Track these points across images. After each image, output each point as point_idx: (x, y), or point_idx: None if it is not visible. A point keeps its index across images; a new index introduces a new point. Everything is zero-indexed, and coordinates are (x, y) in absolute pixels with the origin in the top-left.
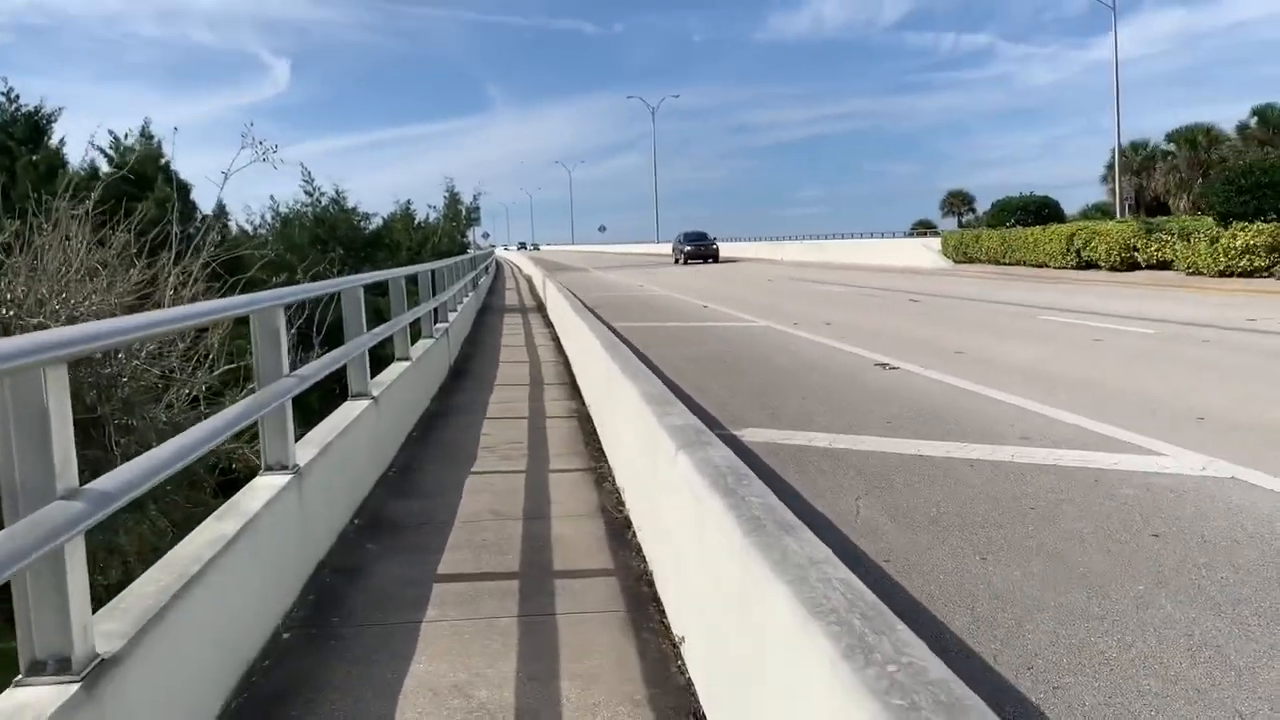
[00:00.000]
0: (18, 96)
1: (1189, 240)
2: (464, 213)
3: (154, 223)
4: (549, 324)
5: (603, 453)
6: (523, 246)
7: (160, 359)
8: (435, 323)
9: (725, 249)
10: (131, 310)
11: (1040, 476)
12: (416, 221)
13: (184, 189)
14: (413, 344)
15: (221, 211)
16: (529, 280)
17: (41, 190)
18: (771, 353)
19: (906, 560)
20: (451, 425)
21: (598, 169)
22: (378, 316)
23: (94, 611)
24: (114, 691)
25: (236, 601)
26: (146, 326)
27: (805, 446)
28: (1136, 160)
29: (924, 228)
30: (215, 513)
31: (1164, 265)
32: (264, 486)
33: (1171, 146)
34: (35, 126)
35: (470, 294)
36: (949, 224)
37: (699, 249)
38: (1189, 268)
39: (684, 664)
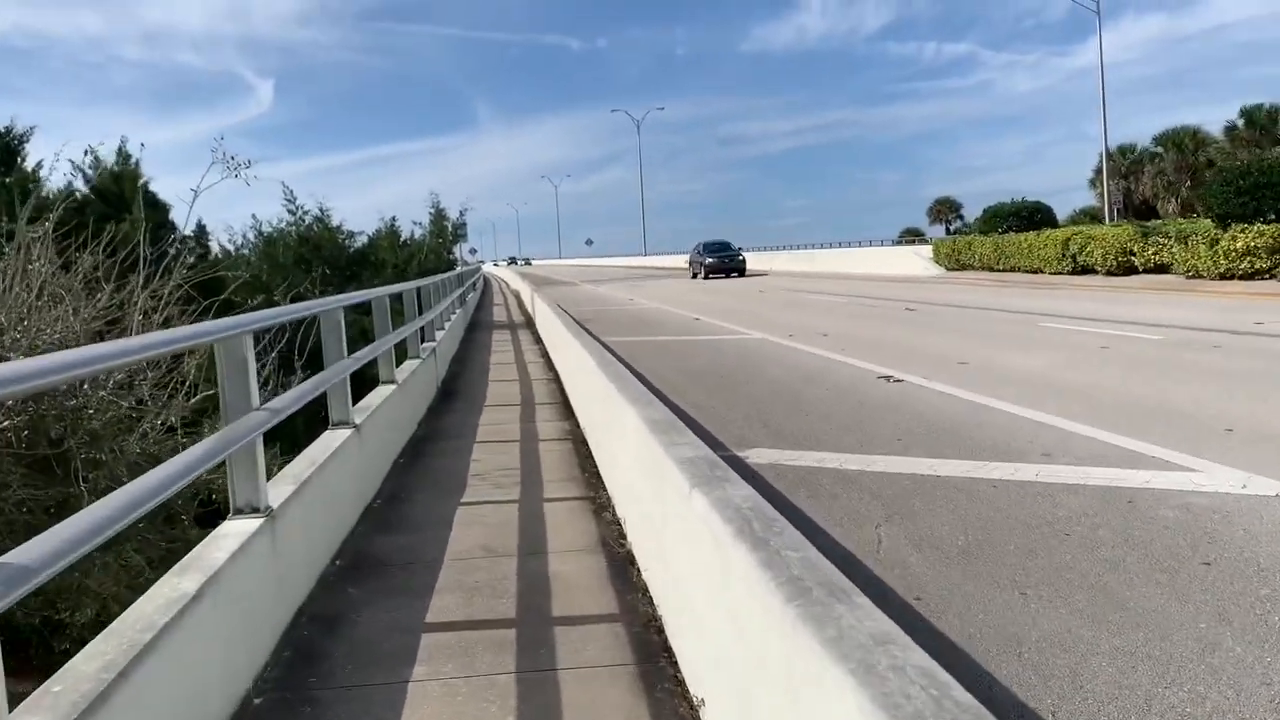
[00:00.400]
0: None
1: (1187, 243)
2: (450, 229)
3: (127, 244)
4: (538, 340)
5: (600, 478)
6: (513, 261)
7: (131, 388)
8: (422, 342)
9: None
10: (99, 337)
11: (1070, 498)
12: (402, 239)
13: (162, 208)
14: (399, 365)
15: (201, 232)
16: (516, 295)
17: (14, 214)
18: (769, 366)
19: (939, 597)
20: (440, 450)
21: (584, 183)
22: (364, 337)
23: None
24: None
25: (198, 669)
26: (89, 362)
27: (814, 468)
28: (1124, 164)
29: (912, 235)
30: (175, 566)
31: (1161, 269)
32: (232, 533)
33: (1159, 149)
34: (7, 148)
35: (458, 310)
36: (936, 231)
37: (722, 261)
38: (1188, 271)
39: None
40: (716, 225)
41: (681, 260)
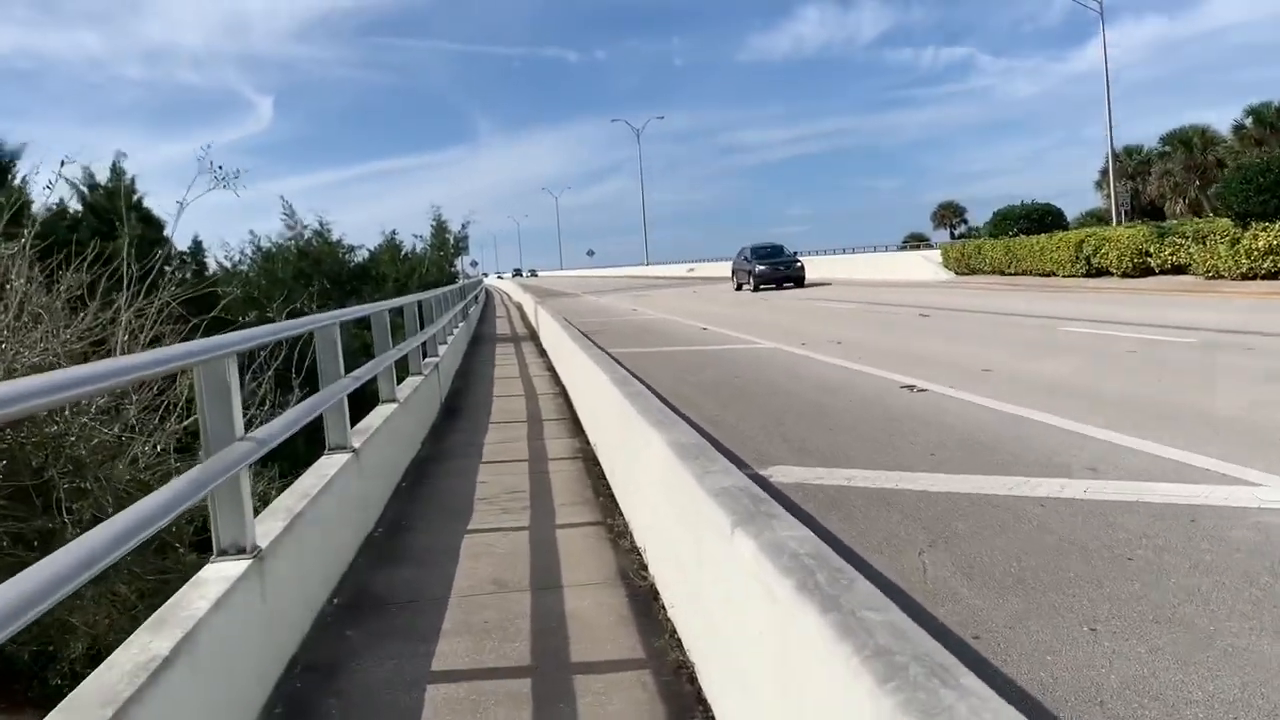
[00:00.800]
0: None
1: (1205, 243)
2: (452, 242)
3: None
4: (542, 352)
5: (614, 500)
6: (518, 274)
7: (117, 413)
8: (424, 358)
9: (716, 269)
10: (84, 358)
11: (1126, 517)
12: (403, 252)
13: (157, 224)
14: (400, 382)
15: (198, 248)
16: (519, 308)
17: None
18: (784, 377)
19: (1000, 635)
20: (445, 472)
21: (585, 194)
22: (365, 351)
23: None
24: None
25: None
26: (49, 390)
27: (844, 487)
28: (1130, 165)
29: (916, 240)
30: (149, 620)
31: (1179, 270)
32: (214, 579)
33: (1166, 150)
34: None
35: (461, 324)
36: (941, 236)
37: (776, 269)
38: (1208, 271)
39: None
40: (718, 234)
41: (681, 269)
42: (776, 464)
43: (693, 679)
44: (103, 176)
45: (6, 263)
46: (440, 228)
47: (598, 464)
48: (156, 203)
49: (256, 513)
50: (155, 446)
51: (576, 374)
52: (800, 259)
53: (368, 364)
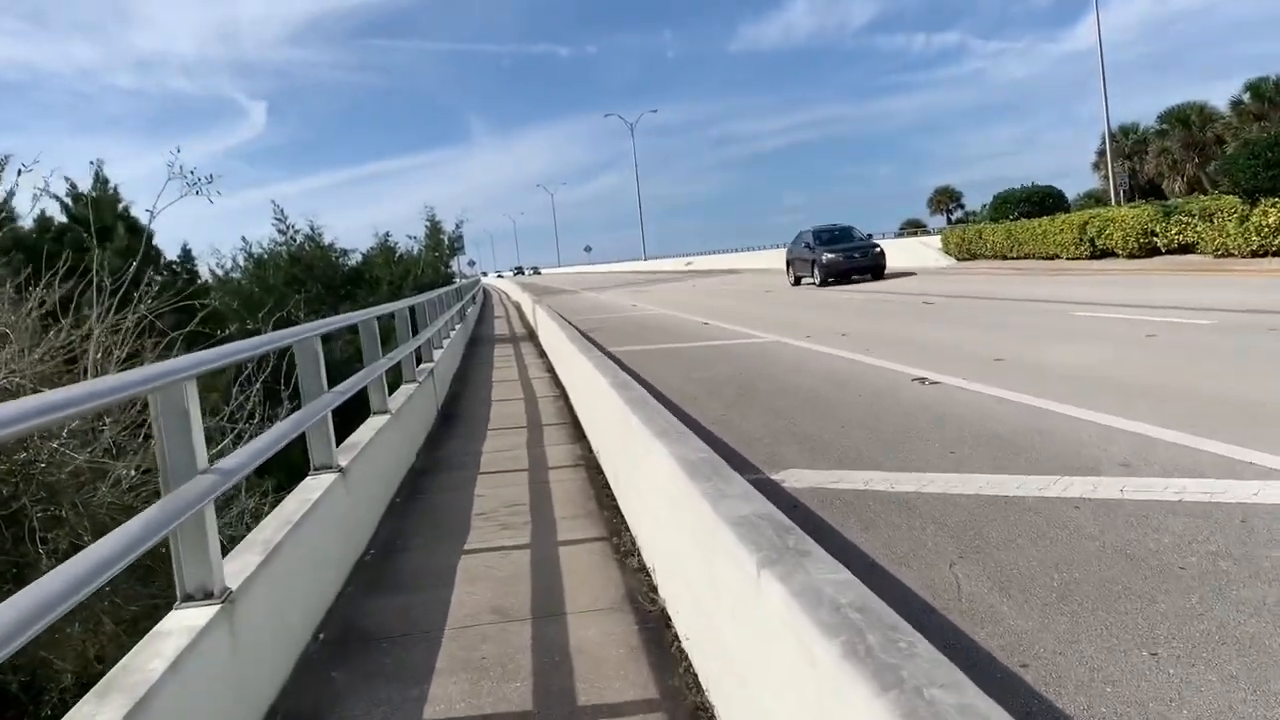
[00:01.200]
0: None
1: (1213, 221)
2: (446, 242)
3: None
4: (542, 353)
5: (619, 511)
6: (519, 271)
7: (94, 435)
8: (420, 363)
9: (715, 261)
10: (55, 379)
11: (1169, 519)
12: (398, 254)
13: (146, 234)
14: (394, 391)
15: (187, 256)
16: (517, 306)
17: None
18: (790, 372)
19: (1050, 662)
20: (441, 485)
21: (580, 190)
22: (361, 357)
23: None
24: None
25: None
26: None
27: (862, 491)
28: (1127, 145)
29: (913, 227)
30: (98, 685)
31: (1186, 249)
32: (176, 630)
33: (1163, 128)
34: None
35: (458, 325)
36: (938, 221)
37: (849, 258)
38: (1217, 250)
39: None
40: (715, 225)
41: (680, 264)
42: (788, 467)
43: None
44: (88, 186)
45: None
46: (434, 228)
47: (601, 472)
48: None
49: (232, 546)
50: (139, 467)
51: (576, 377)
52: (878, 243)
53: (354, 376)
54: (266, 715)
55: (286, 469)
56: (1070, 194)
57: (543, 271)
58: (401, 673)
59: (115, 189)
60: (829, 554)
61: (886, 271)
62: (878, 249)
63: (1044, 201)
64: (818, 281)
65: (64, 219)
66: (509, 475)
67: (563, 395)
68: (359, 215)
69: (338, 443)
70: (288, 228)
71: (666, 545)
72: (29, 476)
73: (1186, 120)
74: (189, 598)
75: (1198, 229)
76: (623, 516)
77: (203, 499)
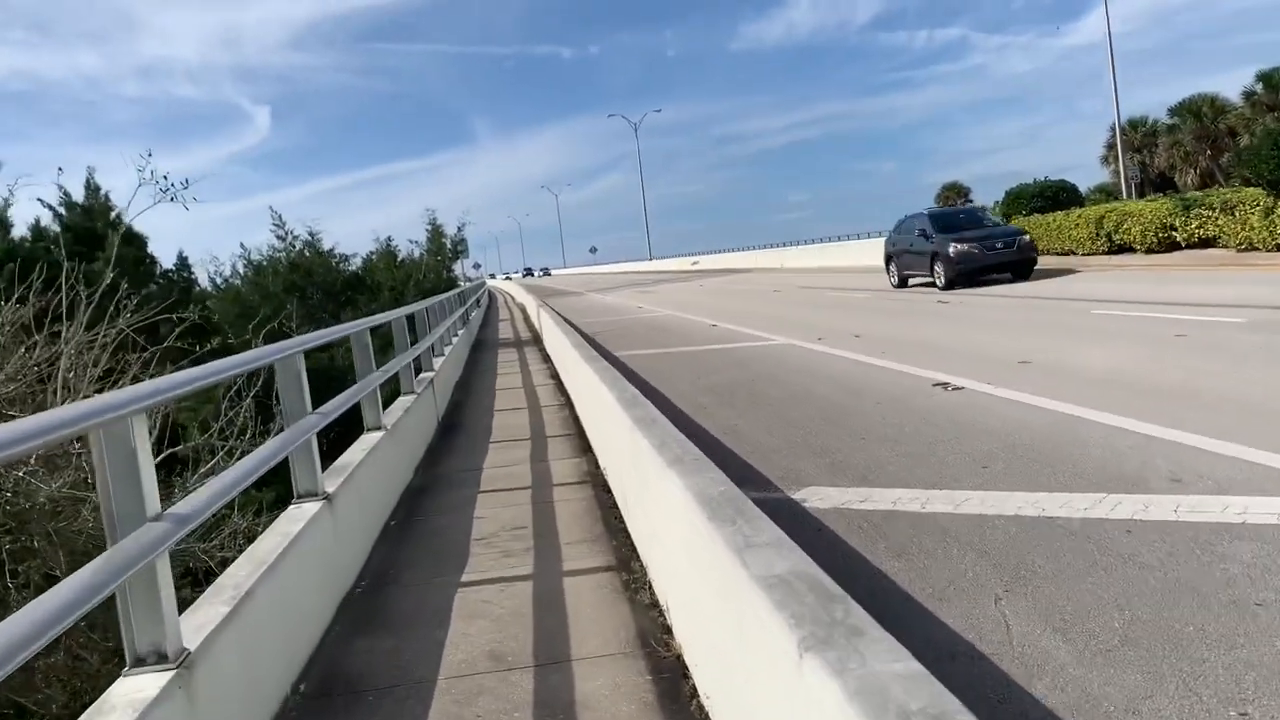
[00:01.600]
0: None
1: (1235, 214)
2: (449, 245)
3: (93, 284)
4: (546, 358)
5: (627, 535)
6: (529, 273)
7: (66, 461)
8: (419, 373)
9: (720, 260)
10: (25, 399)
11: (1236, 545)
12: (400, 259)
13: (140, 242)
14: (392, 403)
15: (184, 264)
16: (522, 309)
17: None
18: (803, 377)
19: None
20: (439, 506)
21: (585, 191)
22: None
23: None
24: None
25: None
26: None
27: (891, 512)
28: (1136, 138)
29: None
30: None
31: (1206, 243)
32: (124, 702)
33: (1174, 120)
34: None
35: (461, 331)
36: None
37: (989, 250)
38: (1240, 244)
39: None
40: (719, 224)
41: (686, 263)
42: (808, 484)
43: None
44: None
45: None
46: (436, 231)
47: (608, 490)
48: (149, 221)
49: (221, 570)
50: None
51: (581, 387)
52: (1027, 233)
53: (342, 394)
54: None
55: (287, 480)
56: (1081, 188)
57: (553, 273)
58: None
59: (107, 197)
60: (886, 631)
61: (883, 268)
62: (1026, 237)
63: (1057, 196)
64: (942, 283)
65: (57, 228)
66: (511, 494)
67: (568, 404)
68: (364, 219)
69: (333, 458)
70: (286, 234)
71: (683, 589)
72: None
73: (1198, 112)
74: (140, 661)
75: (1219, 222)
76: (632, 543)
77: (153, 550)
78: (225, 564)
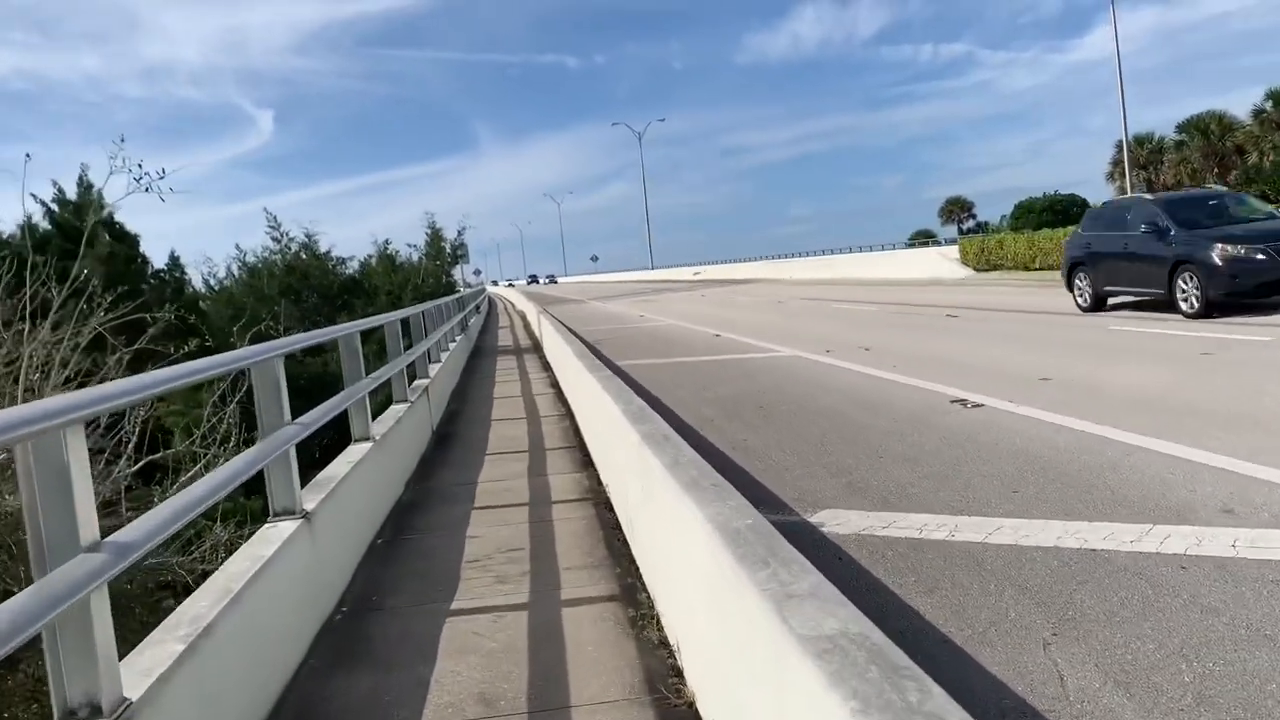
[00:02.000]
0: None
1: None
2: (448, 250)
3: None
4: (546, 366)
5: (632, 560)
6: (533, 280)
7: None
8: (414, 379)
9: (722, 271)
10: None
11: None
12: (398, 262)
13: (131, 241)
14: (383, 411)
15: (176, 264)
16: (523, 316)
17: None
18: (814, 390)
19: None
20: (429, 524)
21: (587, 199)
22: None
23: None
24: None
25: None
26: None
27: (917, 540)
28: (1143, 154)
29: (924, 237)
30: None
31: None
32: None
33: (1181, 138)
34: None
35: (459, 336)
36: (949, 232)
37: (1277, 259)
38: None
39: None
40: (722, 236)
41: (687, 273)
42: (825, 506)
43: None
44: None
45: None
46: (435, 236)
47: (610, 508)
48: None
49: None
50: (98, 497)
51: (583, 397)
52: None
53: (325, 403)
54: None
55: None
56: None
57: (559, 280)
58: None
59: (100, 194)
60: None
61: (907, 279)
62: None
63: (1068, 210)
64: (1196, 305)
65: (48, 225)
66: (507, 511)
67: (568, 415)
68: (365, 224)
69: (319, 469)
70: (281, 235)
71: (699, 632)
72: None
73: (1206, 129)
74: (70, 715)
75: None
76: (637, 568)
77: (87, 585)
78: (206, 577)
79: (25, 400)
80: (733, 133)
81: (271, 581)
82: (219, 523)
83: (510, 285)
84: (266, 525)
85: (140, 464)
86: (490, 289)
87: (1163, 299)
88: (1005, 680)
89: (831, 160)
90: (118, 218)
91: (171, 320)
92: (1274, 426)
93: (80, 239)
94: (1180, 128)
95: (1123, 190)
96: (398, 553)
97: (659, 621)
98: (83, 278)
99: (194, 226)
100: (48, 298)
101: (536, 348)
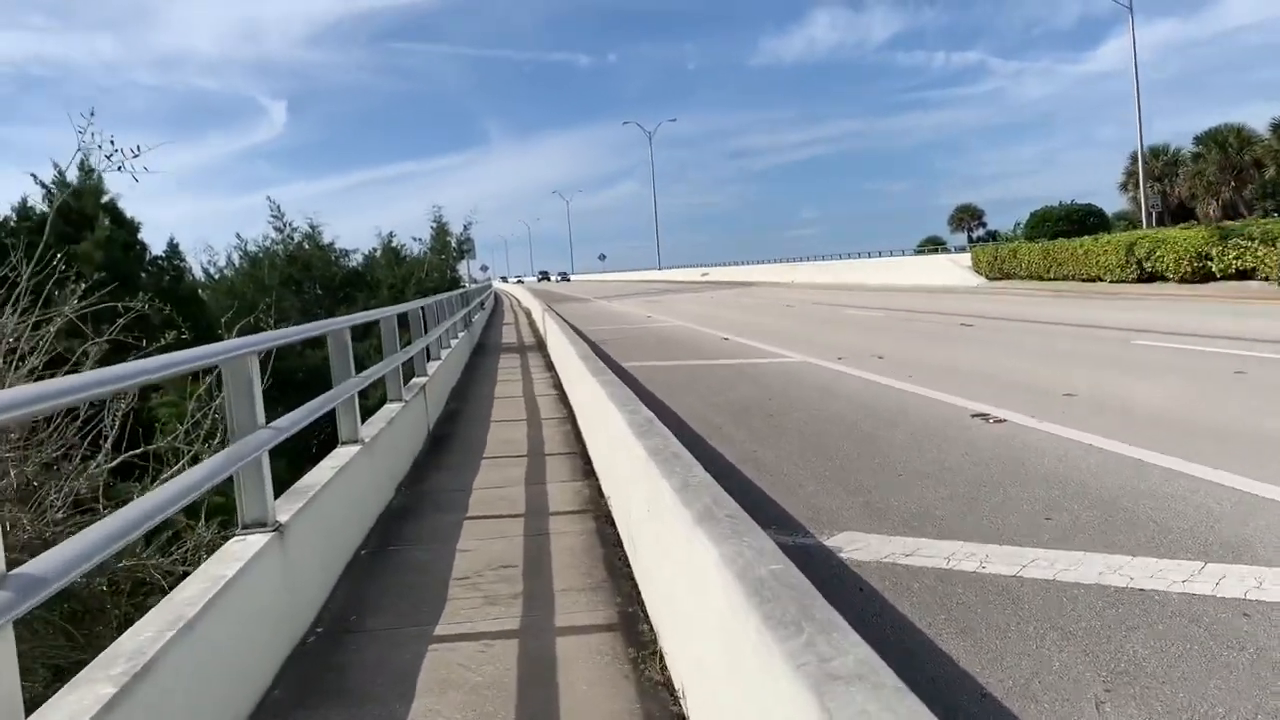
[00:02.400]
0: None
1: (1276, 245)
2: (453, 244)
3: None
4: (550, 366)
5: (634, 584)
6: (545, 277)
7: (23, 459)
8: (411, 377)
9: (730, 273)
10: None
11: None
12: (402, 255)
13: (131, 226)
14: (378, 410)
15: (175, 252)
16: (528, 313)
17: None
18: (825, 399)
19: None
20: (419, 534)
21: (596, 198)
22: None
23: None
24: None
25: None
26: None
27: (945, 572)
28: (1158, 166)
29: (933, 244)
30: None
31: (1244, 275)
32: None
33: (1199, 150)
34: None
35: (462, 333)
36: (958, 239)
37: None
38: None
39: None
40: (730, 238)
41: (695, 274)
42: (842, 528)
43: None
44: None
45: None
46: (441, 230)
47: (611, 522)
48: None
49: (98, 649)
50: (71, 494)
51: (587, 404)
52: None
53: (310, 403)
54: None
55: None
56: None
57: (571, 278)
58: None
59: (100, 178)
60: None
61: (918, 285)
62: None
63: (1084, 220)
64: None
65: (45, 207)
66: (501, 522)
67: (570, 418)
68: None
69: (301, 473)
70: (284, 225)
71: (709, 686)
72: None
73: (1223, 142)
74: None
75: (1258, 253)
76: (638, 594)
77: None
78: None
79: None
80: (743, 135)
81: (232, 605)
82: (203, 523)
83: (519, 282)
84: (233, 540)
85: (119, 460)
86: (498, 285)
87: None
88: None
89: (841, 165)
90: (120, 204)
91: (144, 309)
92: None
93: (78, 222)
94: (1198, 140)
95: (1136, 201)
96: (383, 565)
97: (661, 659)
98: (58, 260)
99: (203, 216)
100: (42, 283)
101: (541, 346)
